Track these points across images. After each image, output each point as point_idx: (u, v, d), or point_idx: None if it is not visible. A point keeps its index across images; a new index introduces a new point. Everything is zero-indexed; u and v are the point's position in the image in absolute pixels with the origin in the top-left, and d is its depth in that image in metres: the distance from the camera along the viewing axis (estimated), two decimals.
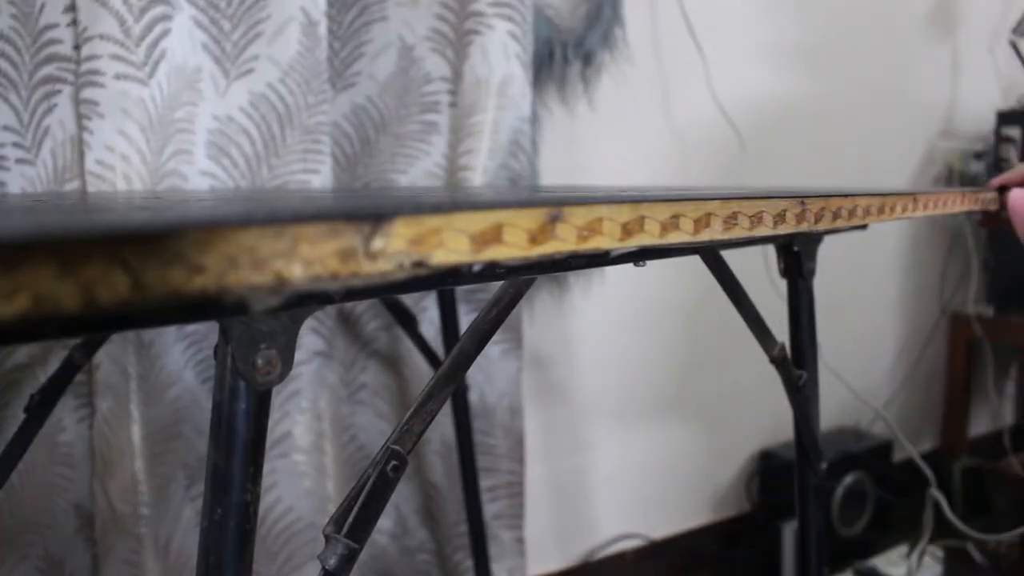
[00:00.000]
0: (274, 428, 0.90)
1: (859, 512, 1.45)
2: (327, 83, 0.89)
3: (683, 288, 1.35)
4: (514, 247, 0.34)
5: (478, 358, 0.47)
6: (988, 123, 1.65)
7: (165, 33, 0.78)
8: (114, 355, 0.80)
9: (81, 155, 0.77)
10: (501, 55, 0.94)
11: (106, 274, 0.23)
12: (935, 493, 1.40)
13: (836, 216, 0.53)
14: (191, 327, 0.87)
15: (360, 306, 1.00)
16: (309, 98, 0.87)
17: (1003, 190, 0.73)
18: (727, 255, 0.59)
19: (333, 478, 0.94)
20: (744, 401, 1.47)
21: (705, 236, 0.43)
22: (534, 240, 0.35)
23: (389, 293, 0.73)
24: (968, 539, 1.41)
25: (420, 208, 0.31)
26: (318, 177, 0.88)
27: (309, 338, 0.92)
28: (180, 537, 0.87)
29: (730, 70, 1.36)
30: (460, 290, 0.99)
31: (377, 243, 0.29)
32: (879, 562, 1.35)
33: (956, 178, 1.68)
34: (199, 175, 0.83)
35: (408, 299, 0.98)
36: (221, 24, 0.83)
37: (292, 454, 0.92)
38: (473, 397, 1.02)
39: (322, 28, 0.87)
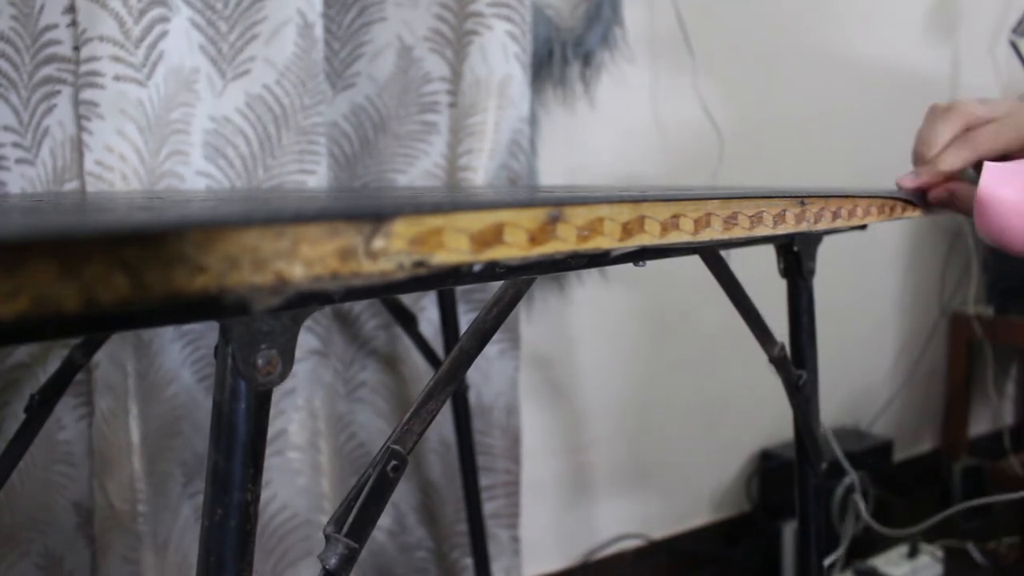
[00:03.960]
0: (269, 426, 0.90)
1: (859, 512, 1.45)
2: (324, 84, 0.89)
3: (683, 288, 1.35)
4: (514, 247, 0.34)
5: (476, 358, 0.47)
6: None
7: (163, 35, 0.78)
8: (113, 354, 0.80)
9: (80, 155, 0.76)
10: (500, 55, 0.94)
11: (107, 274, 0.23)
12: (857, 499, 1.39)
13: (836, 216, 0.53)
14: (188, 325, 0.87)
15: (359, 305, 1.00)
16: (305, 99, 0.87)
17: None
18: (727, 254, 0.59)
19: (328, 475, 0.94)
20: (744, 401, 1.47)
21: (705, 236, 0.43)
22: (534, 240, 0.35)
23: (389, 293, 0.73)
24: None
25: (420, 208, 0.31)
26: (314, 178, 0.88)
27: (304, 336, 0.92)
28: (178, 534, 0.87)
29: (724, 72, 1.36)
30: (459, 289, 0.99)
31: (378, 243, 0.29)
32: (879, 562, 1.35)
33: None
34: (195, 175, 0.83)
35: (407, 298, 0.98)
36: (218, 25, 0.83)
37: (287, 451, 0.92)
38: (470, 397, 1.02)
39: (318, 30, 0.87)
